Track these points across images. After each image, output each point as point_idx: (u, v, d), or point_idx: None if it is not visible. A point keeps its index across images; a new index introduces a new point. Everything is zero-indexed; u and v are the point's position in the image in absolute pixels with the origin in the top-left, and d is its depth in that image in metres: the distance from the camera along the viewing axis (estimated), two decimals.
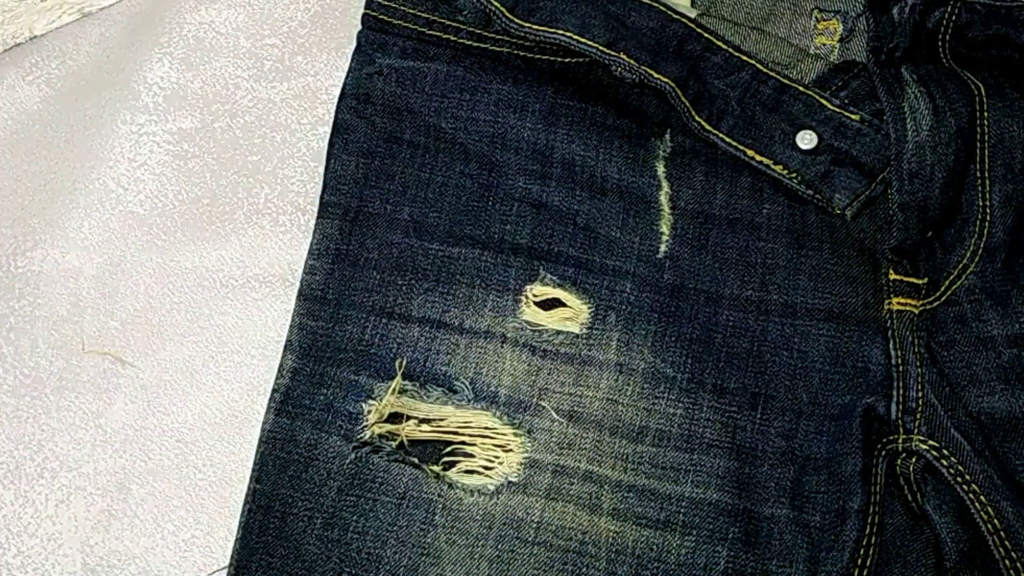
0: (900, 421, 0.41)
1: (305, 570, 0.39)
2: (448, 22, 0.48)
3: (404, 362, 0.42)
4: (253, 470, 0.41)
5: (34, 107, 0.51)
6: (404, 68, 0.48)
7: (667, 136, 0.47)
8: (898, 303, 0.43)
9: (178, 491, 0.42)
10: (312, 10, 0.53)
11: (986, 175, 0.43)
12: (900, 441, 0.40)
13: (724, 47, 0.46)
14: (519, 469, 0.41)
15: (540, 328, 0.43)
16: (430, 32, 0.48)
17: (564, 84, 0.47)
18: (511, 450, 0.41)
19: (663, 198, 0.46)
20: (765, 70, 0.46)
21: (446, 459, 0.41)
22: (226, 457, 0.43)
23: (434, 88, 0.47)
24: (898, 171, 0.43)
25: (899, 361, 0.42)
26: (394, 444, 0.41)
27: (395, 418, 0.42)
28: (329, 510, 0.40)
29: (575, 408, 0.42)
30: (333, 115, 0.47)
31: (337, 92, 0.48)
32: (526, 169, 0.46)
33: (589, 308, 0.43)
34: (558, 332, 0.43)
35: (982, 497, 0.38)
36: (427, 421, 0.41)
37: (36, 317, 0.46)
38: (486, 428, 0.41)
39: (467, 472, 0.41)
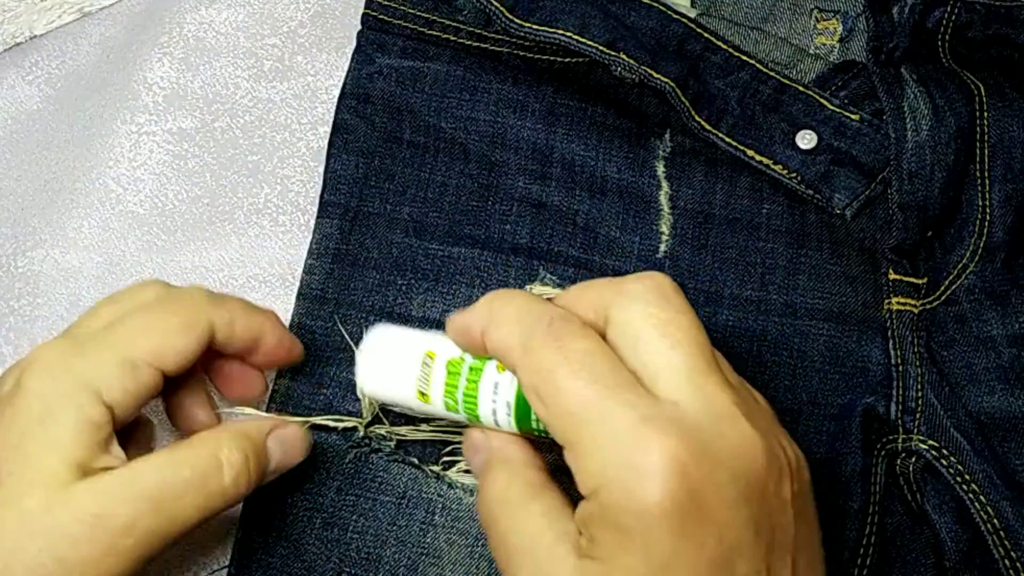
0: (900, 421, 0.41)
1: (305, 570, 0.39)
2: (448, 22, 0.48)
3: None
4: None
5: (34, 107, 0.51)
6: (404, 68, 0.48)
7: (667, 136, 0.47)
8: (898, 303, 0.43)
9: None
10: (312, 10, 0.52)
11: (986, 175, 0.43)
12: (900, 441, 0.40)
13: (724, 47, 0.46)
14: None
15: None
16: (430, 32, 0.48)
17: (564, 84, 0.47)
18: None
19: (663, 198, 0.46)
20: (765, 70, 0.46)
21: (446, 459, 0.41)
22: None
23: (434, 88, 0.47)
24: (898, 171, 0.43)
25: (899, 361, 0.42)
26: (392, 444, 0.41)
27: (394, 418, 0.42)
28: (328, 510, 0.40)
29: None
30: (333, 115, 0.47)
31: (337, 92, 0.48)
32: (526, 169, 0.46)
33: None
34: None
35: (982, 497, 0.38)
36: (426, 421, 0.41)
37: (36, 317, 0.46)
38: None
39: (467, 472, 0.41)
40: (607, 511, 0.27)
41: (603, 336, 0.31)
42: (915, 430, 0.40)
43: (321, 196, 0.46)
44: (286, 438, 0.37)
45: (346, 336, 0.42)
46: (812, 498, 0.31)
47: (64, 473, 0.31)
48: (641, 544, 0.26)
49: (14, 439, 0.32)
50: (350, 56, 0.48)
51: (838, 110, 0.45)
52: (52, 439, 0.31)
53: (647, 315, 0.30)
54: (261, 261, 0.47)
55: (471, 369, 0.34)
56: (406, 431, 0.41)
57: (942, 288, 0.43)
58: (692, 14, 0.47)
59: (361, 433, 0.41)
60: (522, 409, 0.33)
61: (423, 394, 0.35)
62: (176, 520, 0.32)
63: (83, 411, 0.32)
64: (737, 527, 0.27)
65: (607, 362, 0.29)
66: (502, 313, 0.32)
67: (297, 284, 0.44)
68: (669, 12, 0.46)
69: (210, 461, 0.33)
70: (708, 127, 0.45)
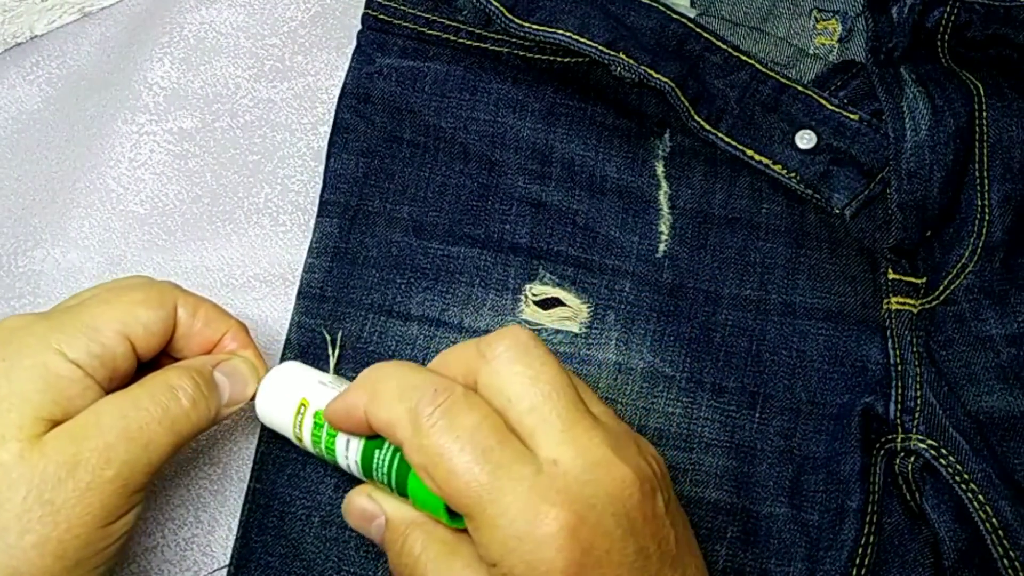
0: (899, 420, 0.41)
1: (304, 569, 0.40)
2: (448, 22, 0.48)
3: (340, 336, 0.43)
4: (253, 469, 0.41)
5: (35, 107, 0.51)
6: (404, 68, 0.48)
7: (666, 136, 0.47)
8: (897, 302, 0.43)
9: (178, 490, 0.42)
10: (312, 10, 0.53)
11: (985, 175, 0.43)
12: (899, 440, 0.40)
13: (723, 47, 0.46)
14: None
15: (539, 327, 0.43)
16: (430, 32, 0.48)
17: (564, 84, 0.48)
18: None
19: (662, 198, 0.46)
20: (764, 70, 0.46)
21: None
22: (226, 456, 0.43)
23: (434, 88, 0.47)
24: (897, 171, 0.43)
25: (898, 360, 0.42)
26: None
27: None
28: (326, 508, 0.40)
29: None
30: (333, 114, 0.47)
31: (337, 92, 0.48)
32: (525, 169, 0.46)
33: (588, 307, 0.43)
34: (557, 331, 0.43)
35: (980, 496, 0.38)
36: None
37: None
38: None
39: None
40: None
41: None
42: (914, 430, 0.40)
43: (321, 195, 0.46)
44: (232, 370, 0.38)
45: (327, 337, 0.42)
46: (672, 489, 0.33)
47: (35, 426, 0.32)
48: None
49: None
50: (350, 56, 0.49)
51: (837, 110, 0.45)
52: (19, 395, 0.32)
53: (513, 374, 0.31)
54: (261, 261, 0.47)
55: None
56: None
57: (941, 288, 0.43)
58: (692, 14, 0.47)
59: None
60: (367, 468, 0.34)
61: (299, 438, 0.37)
62: (149, 446, 0.33)
63: (48, 368, 0.33)
64: (629, 561, 0.29)
65: (494, 434, 0.30)
66: (383, 388, 0.32)
67: (297, 283, 0.44)
68: (669, 12, 0.46)
69: (164, 389, 0.35)
70: (708, 127, 0.45)
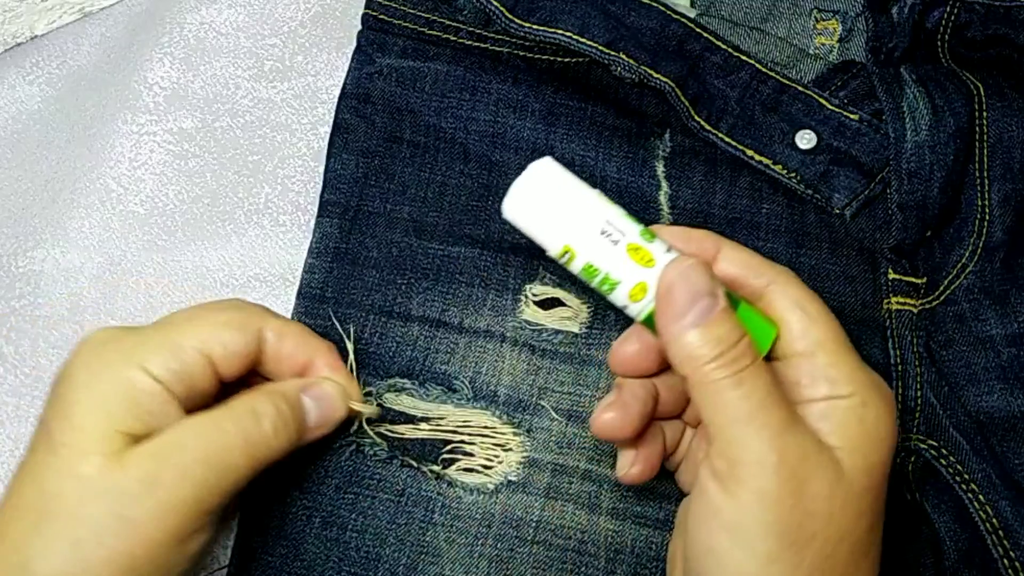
0: (899, 420, 0.41)
1: (304, 569, 0.40)
2: (448, 22, 0.48)
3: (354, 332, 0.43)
4: None
5: (35, 107, 0.51)
6: (404, 68, 0.48)
7: (667, 136, 0.47)
8: (897, 302, 0.43)
9: None
10: (312, 10, 0.53)
11: (985, 175, 0.43)
12: (899, 440, 0.40)
13: (723, 47, 0.46)
14: (518, 468, 0.41)
15: (539, 327, 0.43)
16: (430, 32, 0.48)
17: (564, 84, 0.47)
18: (510, 449, 0.41)
19: (662, 198, 0.46)
20: (764, 70, 0.46)
21: (445, 457, 0.41)
22: None
23: (434, 88, 0.47)
24: (897, 171, 0.43)
25: (898, 360, 0.42)
26: (385, 447, 0.41)
27: (394, 416, 0.42)
28: (327, 508, 0.40)
29: (574, 407, 0.42)
30: (333, 115, 0.47)
31: (337, 92, 0.48)
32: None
33: (588, 308, 0.43)
34: (557, 331, 0.43)
35: (980, 496, 0.38)
36: (426, 420, 0.41)
37: (36, 317, 0.46)
38: (485, 427, 0.41)
39: (466, 471, 0.41)
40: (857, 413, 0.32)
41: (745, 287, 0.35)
42: (914, 429, 0.40)
43: (321, 195, 0.46)
44: (321, 394, 0.38)
45: (342, 333, 0.42)
46: None
47: (117, 441, 0.32)
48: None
49: (63, 409, 0.33)
50: (350, 56, 0.49)
51: (837, 110, 0.45)
52: (101, 408, 0.33)
53: (804, 293, 0.34)
54: (262, 261, 0.47)
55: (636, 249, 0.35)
56: (404, 430, 0.41)
57: (941, 288, 0.43)
58: (692, 14, 0.47)
59: (354, 426, 0.41)
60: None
61: (568, 249, 0.35)
62: (228, 470, 0.34)
63: (131, 383, 0.33)
64: None
65: None
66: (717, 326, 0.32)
67: (297, 284, 0.44)
68: (669, 12, 0.46)
69: (247, 414, 0.35)
70: (708, 127, 0.45)
